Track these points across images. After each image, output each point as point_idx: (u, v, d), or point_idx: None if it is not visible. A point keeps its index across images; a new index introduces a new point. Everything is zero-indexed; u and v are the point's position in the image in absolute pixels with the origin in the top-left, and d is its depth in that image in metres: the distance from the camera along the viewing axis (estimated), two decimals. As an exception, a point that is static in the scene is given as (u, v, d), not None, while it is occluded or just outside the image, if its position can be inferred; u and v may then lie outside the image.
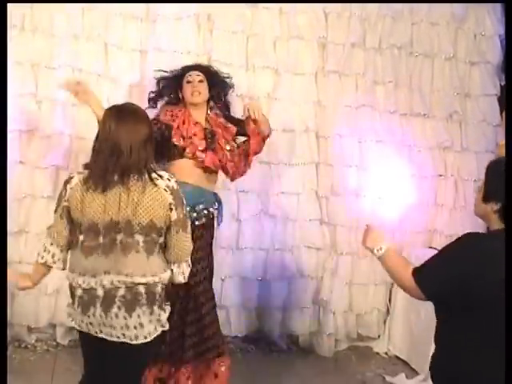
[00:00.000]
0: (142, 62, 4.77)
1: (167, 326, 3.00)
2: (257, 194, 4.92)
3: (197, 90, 4.08)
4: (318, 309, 5.13)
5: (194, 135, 3.97)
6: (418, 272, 2.60)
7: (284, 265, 5.03)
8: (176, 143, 3.94)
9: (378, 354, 5.23)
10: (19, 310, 4.68)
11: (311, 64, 5.03)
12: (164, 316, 2.96)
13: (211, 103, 4.19)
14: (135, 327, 2.85)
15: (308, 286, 5.09)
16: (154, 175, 2.85)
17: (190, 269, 3.07)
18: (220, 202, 4.13)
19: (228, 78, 4.31)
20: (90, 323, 2.89)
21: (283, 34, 4.96)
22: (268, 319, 5.08)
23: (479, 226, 5.31)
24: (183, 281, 3.05)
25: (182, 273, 3.01)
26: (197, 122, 4.03)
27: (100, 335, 2.89)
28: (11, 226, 4.49)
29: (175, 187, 2.90)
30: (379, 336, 5.32)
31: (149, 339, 2.88)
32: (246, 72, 4.92)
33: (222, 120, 4.13)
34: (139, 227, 2.82)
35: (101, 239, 2.83)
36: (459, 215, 5.36)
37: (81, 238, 2.87)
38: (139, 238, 2.83)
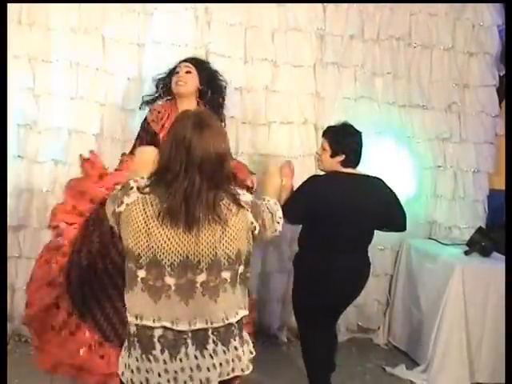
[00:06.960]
0: (139, 55, 4.75)
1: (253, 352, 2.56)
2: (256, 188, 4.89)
3: (181, 80, 4.00)
4: (317, 301, 5.10)
5: None
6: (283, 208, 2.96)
7: (283, 257, 5.02)
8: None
9: (378, 345, 5.24)
10: (20, 303, 4.67)
11: (309, 56, 5.01)
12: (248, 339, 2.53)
13: (199, 100, 4.12)
14: (233, 360, 2.39)
15: (308, 278, 5.08)
16: (236, 196, 2.35)
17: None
18: None
19: (223, 81, 4.25)
20: (182, 369, 2.32)
21: (281, 26, 4.94)
22: (267, 312, 5.08)
23: (479, 217, 5.37)
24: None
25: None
26: None
27: None
28: (10, 220, 4.49)
29: (251, 198, 2.43)
30: (379, 328, 5.34)
31: (246, 372, 2.45)
32: (244, 64, 4.90)
33: None
34: (228, 262, 2.32)
35: (168, 280, 2.29)
36: (458, 206, 5.37)
37: (140, 273, 2.31)
38: (226, 275, 2.33)
